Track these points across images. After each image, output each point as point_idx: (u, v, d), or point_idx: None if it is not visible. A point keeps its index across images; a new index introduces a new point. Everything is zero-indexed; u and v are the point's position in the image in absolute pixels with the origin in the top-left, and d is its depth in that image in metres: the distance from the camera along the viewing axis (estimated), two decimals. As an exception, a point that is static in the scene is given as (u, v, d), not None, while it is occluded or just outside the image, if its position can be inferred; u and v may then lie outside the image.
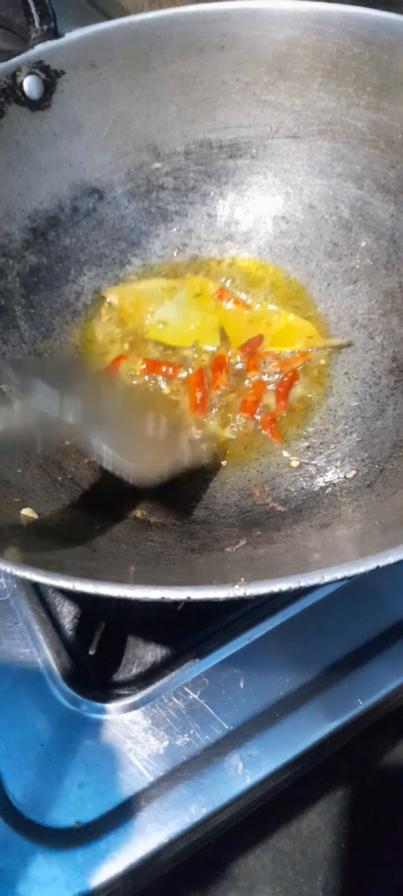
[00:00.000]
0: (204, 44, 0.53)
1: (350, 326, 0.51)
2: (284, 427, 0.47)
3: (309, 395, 0.49)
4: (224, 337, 0.53)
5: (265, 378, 0.50)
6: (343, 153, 0.53)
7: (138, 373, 0.50)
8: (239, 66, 0.54)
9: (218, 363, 0.51)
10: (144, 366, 0.51)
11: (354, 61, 0.50)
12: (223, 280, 0.56)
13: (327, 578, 0.25)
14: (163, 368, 0.51)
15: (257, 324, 0.54)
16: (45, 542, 0.36)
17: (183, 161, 0.57)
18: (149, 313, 0.54)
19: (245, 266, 0.57)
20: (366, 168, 0.52)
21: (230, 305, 0.55)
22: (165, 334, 0.53)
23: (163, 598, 0.25)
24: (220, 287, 0.56)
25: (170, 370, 0.50)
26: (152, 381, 0.50)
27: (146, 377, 0.50)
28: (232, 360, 0.51)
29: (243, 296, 0.56)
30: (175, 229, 0.58)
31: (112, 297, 0.55)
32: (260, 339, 0.52)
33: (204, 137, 0.56)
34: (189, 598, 0.25)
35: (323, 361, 0.51)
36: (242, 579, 0.26)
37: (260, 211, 0.57)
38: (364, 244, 0.52)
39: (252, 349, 0.52)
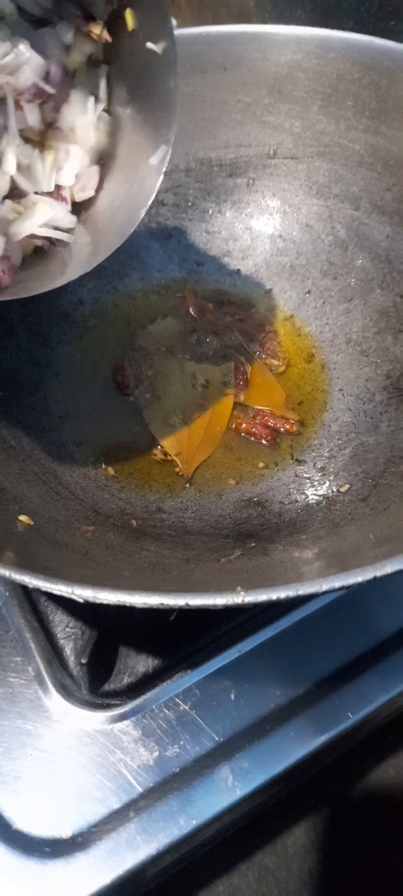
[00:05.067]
0: (208, 64, 0.54)
1: (344, 344, 0.52)
2: (279, 441, 0.48)
3: (304, 411, 0.50)
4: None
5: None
6: (341, 175, 0.54)
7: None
8: (241, 87, 0.55)
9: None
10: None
11: (353, 86, 0.52)
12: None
13: (325, 587, 0.25)
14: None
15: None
16: (41, 548, 0.35)
17: (183, 178, 0.58)
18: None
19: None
20: (363, 190, 0.53)
21: None
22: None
23: (161, 604, 0.25)
24: None
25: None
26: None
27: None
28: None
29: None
30: (173, 244, 0.59)
31: None
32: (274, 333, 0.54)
33: (205, 156, 0.57)
34: (187, 604, 0.25)
35: (323, 377, 0.51)
36: (239, 588, 0.26)
37: (258, 229, 0.58)
38: (359, 263, 0.53)
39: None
